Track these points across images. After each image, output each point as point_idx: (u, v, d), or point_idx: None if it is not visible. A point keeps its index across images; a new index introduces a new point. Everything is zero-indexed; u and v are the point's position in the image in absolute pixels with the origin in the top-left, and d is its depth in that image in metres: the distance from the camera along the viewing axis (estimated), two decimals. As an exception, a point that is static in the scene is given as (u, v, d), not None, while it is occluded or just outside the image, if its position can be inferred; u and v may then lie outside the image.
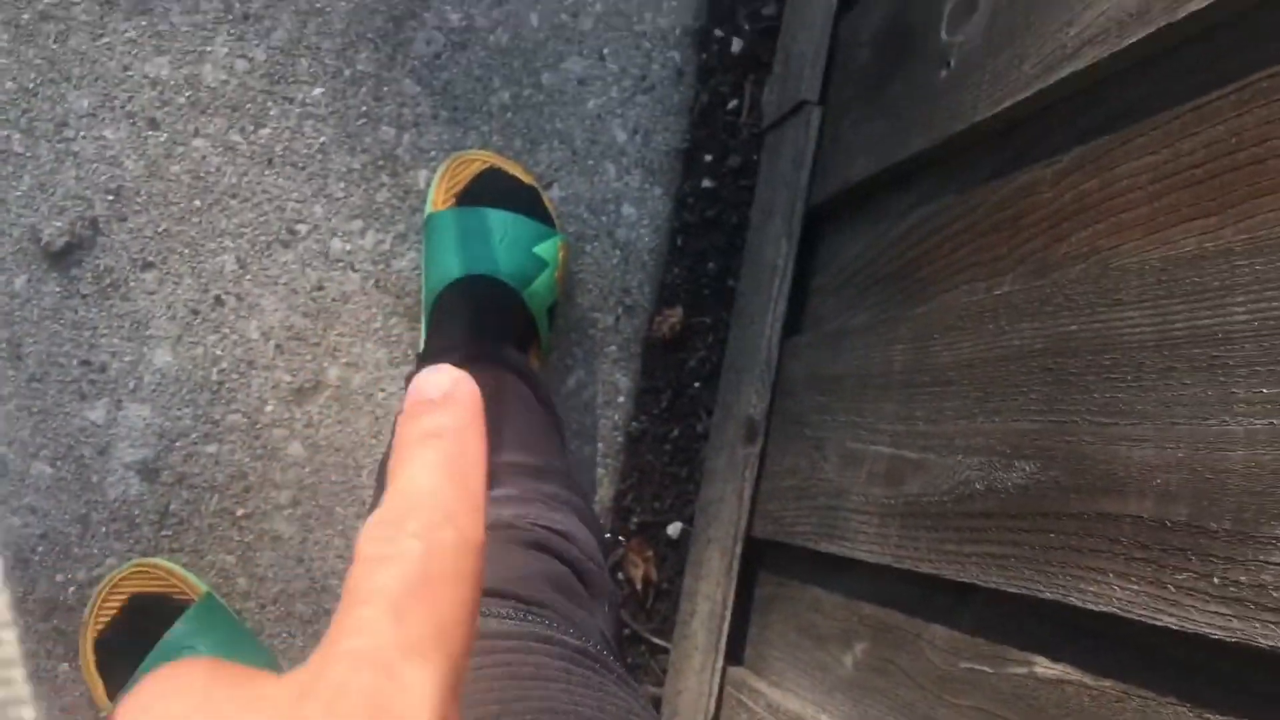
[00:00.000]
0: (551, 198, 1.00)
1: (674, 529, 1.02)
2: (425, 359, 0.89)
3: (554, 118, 1.02)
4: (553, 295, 0.93)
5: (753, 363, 0.94)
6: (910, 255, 0.78)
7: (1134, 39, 0.55)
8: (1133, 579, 0.47)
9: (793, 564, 0.86)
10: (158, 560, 0.91)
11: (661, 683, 1.00)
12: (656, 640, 1.01)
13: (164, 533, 0.92)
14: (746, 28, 1.06)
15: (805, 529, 0.81)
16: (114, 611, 0.89)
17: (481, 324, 0.88)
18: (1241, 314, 0.44)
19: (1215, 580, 0.43)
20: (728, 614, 0.90)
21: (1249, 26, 0.50)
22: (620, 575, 1.00)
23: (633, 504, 1.02)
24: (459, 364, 0.27)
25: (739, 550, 0.91)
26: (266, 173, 0.95)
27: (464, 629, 0.23)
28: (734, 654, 0.92)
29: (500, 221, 0.91)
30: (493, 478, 0.70)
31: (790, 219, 0.94)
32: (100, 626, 0.89)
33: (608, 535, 1.00)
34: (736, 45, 1.05)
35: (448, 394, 0.26)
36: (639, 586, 1.00)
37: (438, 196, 0.94)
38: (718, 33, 1.06)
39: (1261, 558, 0.41)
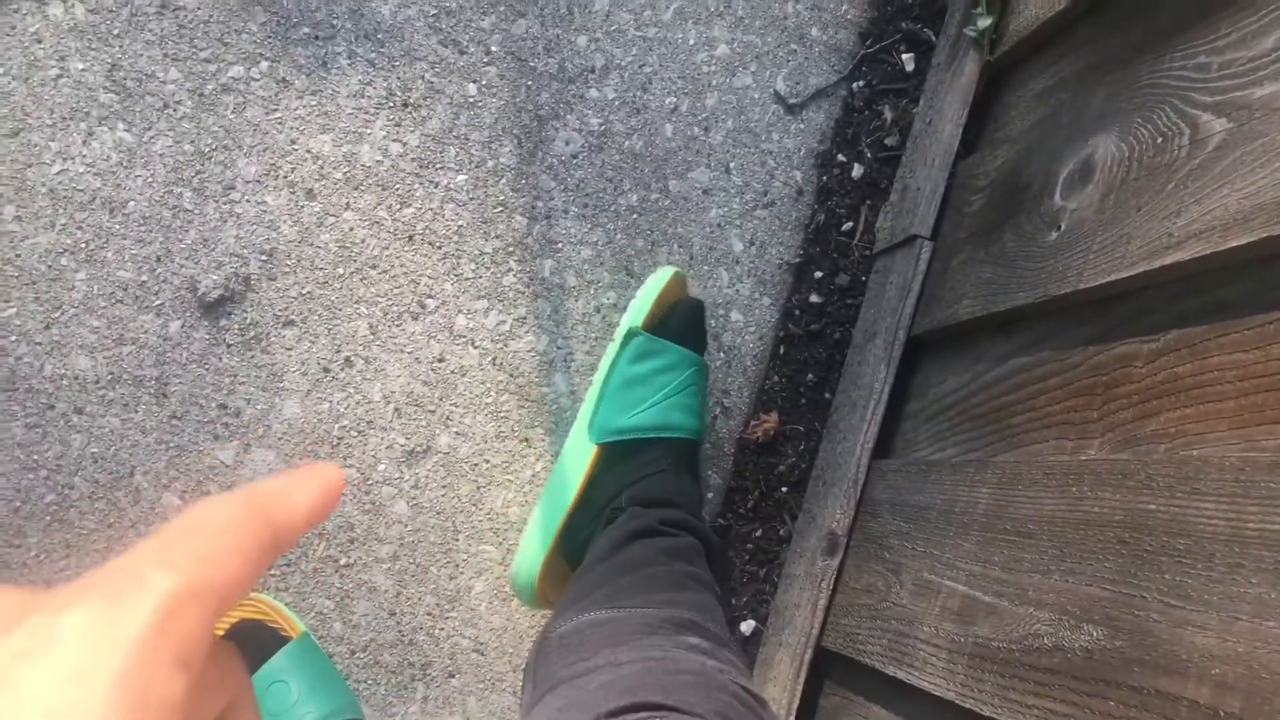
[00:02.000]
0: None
1: (746, 626, 1.05)
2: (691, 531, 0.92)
3: (677, 222, 1.08)
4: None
5: (840, 478, 0.98)
6: (1004, 400, 0.82)
7: (1236, 243, 0.58)
8: (1184, 760, 0.50)
9: (859, 680, 0.89)
10: (264, 595, 0.97)
11: (718, 775, 1.03)
12: (718, 733, 1.04)
13: (272, 572, 0.99)
14: (868, 155, 1.10)
15: (875, 649, 0.84)
16: (219, 633, 0.95)
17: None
18: (1310, 527, 0.48)
19: (1261, 776, 0.46)
20: (791, 718, 0.93)
21: (1346, 252, 0.53)
22: (690, 665, 1.04)
23: (710, 597, 1.05)
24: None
25: (809, 657, 0.94)
26: (406, 248, 1.03)
27: (228, 564, 0.28)
28: (792, 758, 0.95)
29: (703, 374, 1.00)
30: (695, 631, 0.74)
31: (891, 345, 0.98)
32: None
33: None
34: (857, 171, 1.10)
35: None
36: (707, 678, 1.03)
37: (651, 312, 0.99)
38: (840, 157, 1.11)
39: (1305, 764, 0.44)
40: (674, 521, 0.89)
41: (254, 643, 0.95)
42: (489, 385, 1.03)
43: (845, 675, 0.92)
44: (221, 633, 0.94)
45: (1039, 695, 0.63)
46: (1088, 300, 0.74)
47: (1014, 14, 0.97)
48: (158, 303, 0.99)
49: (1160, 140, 0.69)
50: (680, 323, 0.99)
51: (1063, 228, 0.78)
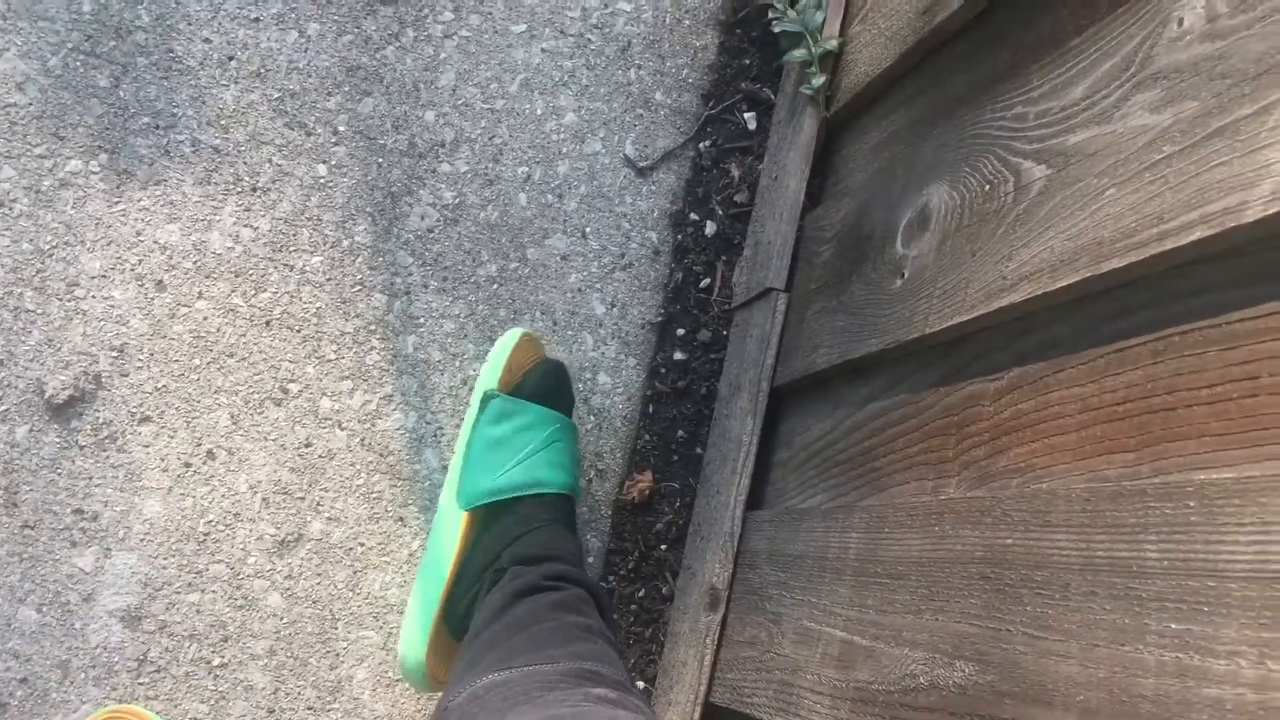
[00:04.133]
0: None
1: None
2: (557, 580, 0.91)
3: (537, 290, 1.08)
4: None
5: (717, 532, 0.99)
6: (866, 445, 0.84)
7: (1064, 283, 0.62)
8: (1058, 787, 0.52)
9: (750, 732, 0.90)
10: (132, 706, 0.94)
11: (619, 842, 1.02)
12: (616, 799, 1.03)
13: (141, 680, 0.95)
14: (720, 212, 1.13)
15: (761, 700, 0.85)
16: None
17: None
18: (1154, 552, 0.50)
19: (1128, 797, 0.48)
20: (686, 778, 0.93)
21: (1163, 286, 0.56)
22: (583, 733, 1.03)
23: (597, 662, 1.05)
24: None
25: (698, 715, 0.94)
26: (264, 334, 1.01)
27: None
28: (691, 818, 0.95)
29: (569, 432, 1.00)
30: (596, 681, 0.72)
31: (756, 397, 1.00)
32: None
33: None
34: (710, 228, 1.13)
35: None
36: (601, 745, 1.02)
37: (504, 376, 0.99)
38: (693, 216, 1.13)
39: (1167, 781, 0.46)
40: (557, 575, 0.87)
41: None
42: (359, 467, 1.02)
43: (736, 729, 0.93)
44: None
45: (920, 734, 0.64)
46: (935, 343, 0.77)
47: (845, 72, 1.01)
48: (3, 408, 0.95)
49: (988, 188, 0.73)
50: (539, 383, 0.99)
51: (906, 275, 0.81)
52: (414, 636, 0.94)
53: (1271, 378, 0.48)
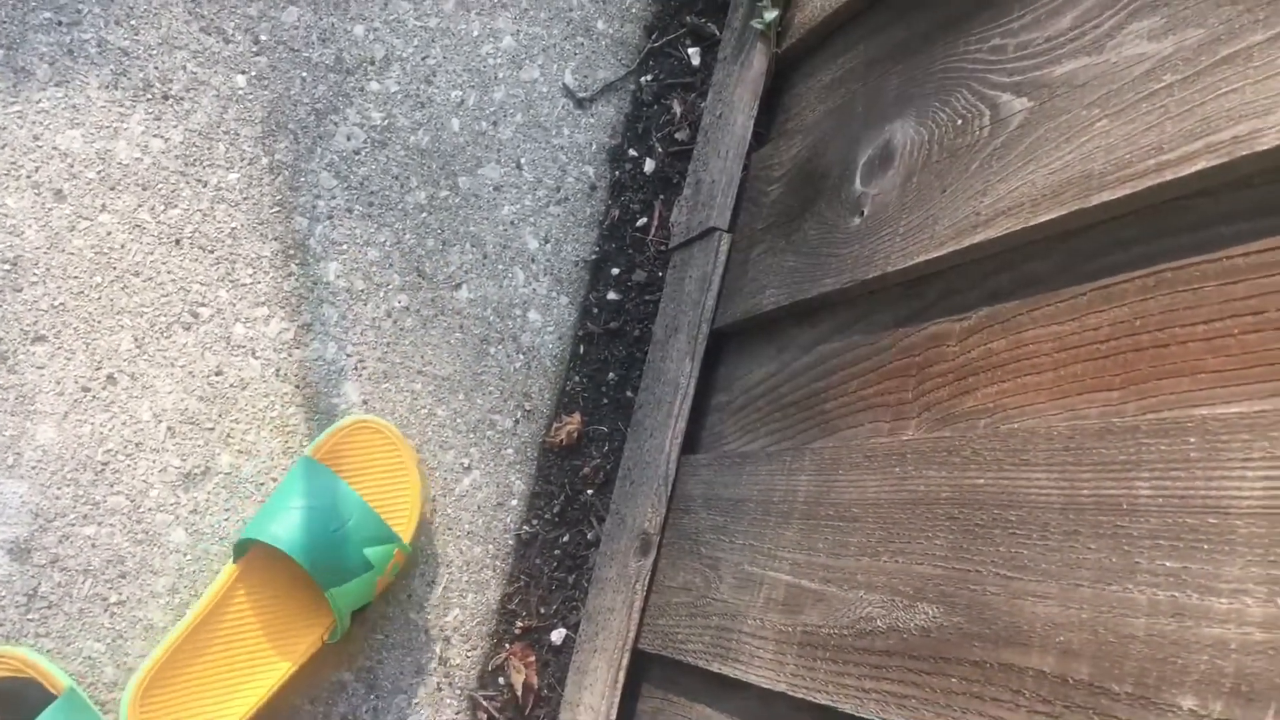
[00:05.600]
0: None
1: (557, 635, 1.02)
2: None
3: (468, 221, 1.03)
4: (365, 598, 0.92)
5: (649, 477, 0.96)
6: (815, 388, 0.82)
7: (1046, 217, 0.60)
8: (1035, 730, 0.50)
9: (680, 679, 0.88)
10: (16, 650, 0.87)
11: (535, 792, 0.99)
12: (533, 748, 1.00)
13: (30, 616, 0.88)
14: (660, 150, 1.09)
15: (697, 646, 0.83)
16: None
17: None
18: (1146, 489, 0.48)
19: (1116, 740, 0.46)
20: (611, 727, 0.90)
21: (1156, 219, 0.55)
22: (501, 680, 1.00)
23: (518, 607, 1.02)
24: None
25: (625, 662, 0.92)
26: (173, 253, 0.94)
27: None
28: (614, 767, 0.92)
29: (347, 506, 0.91)
30: None
31: (695, 339, 0.96)
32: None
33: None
34: (649, 166, 1.09)
35: None
36: (519, 693, 0.99)
37: (321, 445, 0.94)
38: (632, 152, 1.09)
39: (1162, 722, 0.44)
40: None
41: (15, 705, 0.84)
42: (273, 398, 0.96)
43: (664, 677, 0.90)
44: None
45: (876, 678, 0.62)
46: (896, 283, 0.75)
47: (799, 7, 0.98)
48: (-121, 320, 0.87)
49: (960, 122, 0.70)
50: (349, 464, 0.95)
51: (866, 213, 0.78)
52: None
53: (1277, 312, 0.47)
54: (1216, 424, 0.46)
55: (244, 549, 0.91)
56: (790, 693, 0.70)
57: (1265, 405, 0.46)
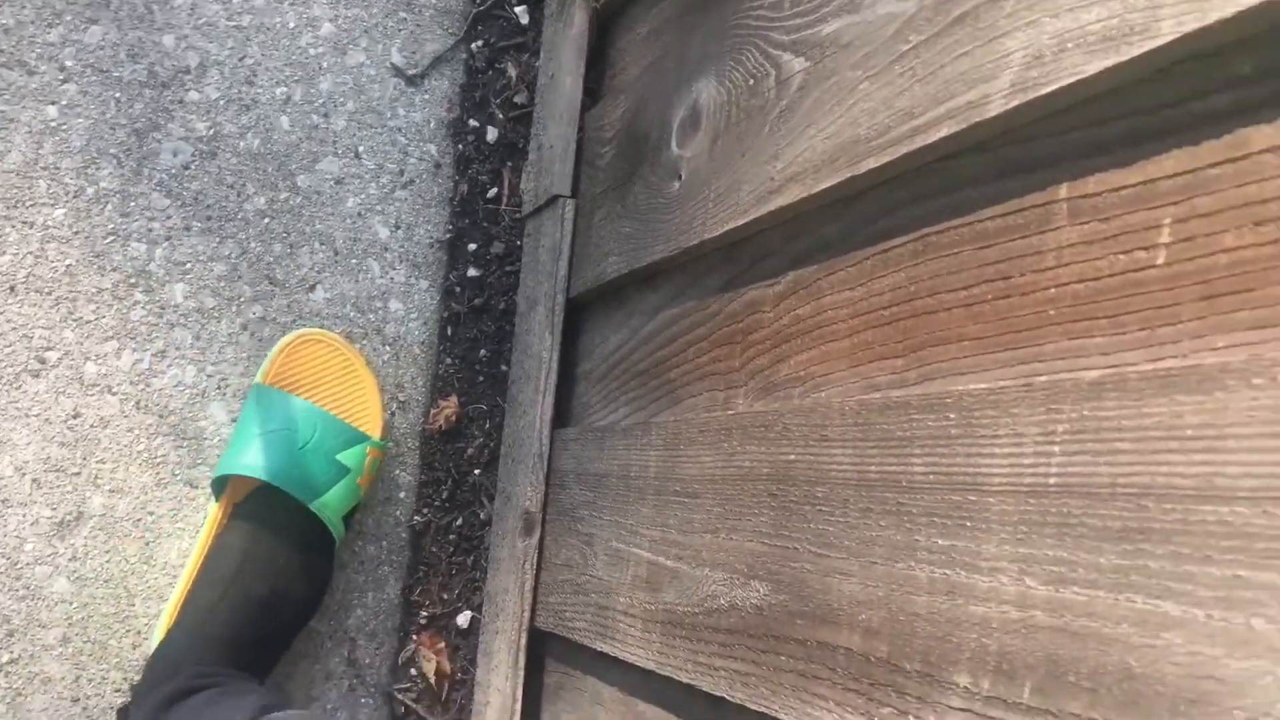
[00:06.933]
0: (323, 303, 1.00)
1: (464, 618, 1.03)
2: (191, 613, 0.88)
3: (313, 219, 1.01)
4: (352, 500, 0.94)
5: (526, 454, 0.96)
6: (660, 355, 0.81)
7: (825, 184, 0.59)
8: (848, 708, 0.51)
9: (576, 654, 0.89)
10: (-83, 716, 0.87)
11: (463, 772, 1.01)
12: (455, 731, 1.02)
13: (-78, 687, 0.88)
14: (500, 116, 1.07)
15: (581, 625, 0.84)
16: None
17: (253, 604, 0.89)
18: (920, 466, 0.49)
19: (911, 719, 0.47)
20: (518, 707, 0.92)
21: (919, 184, 0.54)
22: (414, 671, 1.01)
23: (420, 597, 1.02)
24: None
25: (524, 642, 0.93)
26: (10, 302, 0.92)
27: None
28: (528, 743, 0.94)
29: (308, 421, 0.91)
30: None
31: (552, 310, 0.96)
32: None
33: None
34: (491, 134, 1.07)
35: None
36: (433, 680, 1.00)
37: (269, 370, 0.94)
38: (472, 123, 1.07)
39: (944, 702, 0.45)
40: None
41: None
42: (137, 432, 0.95)
43: (563, 651, 0.92)
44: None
45: (724, 656, 0.63)
46: (715, 248, 0.74)
47: (612, -43, 0.95)
48: None
49: (752, 82, 0.69)
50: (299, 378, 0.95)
51: (683, 177, 0.77)
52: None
53: (1023, 277, 0.47)
54: (970, 399, 0.46)
55: (221, 486, 0.92)
56: (658, 670, 0.71)
57: (1009, 380, 0.46)
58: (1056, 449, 0.41)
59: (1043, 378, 0.44)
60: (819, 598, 0.55)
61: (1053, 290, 0.45)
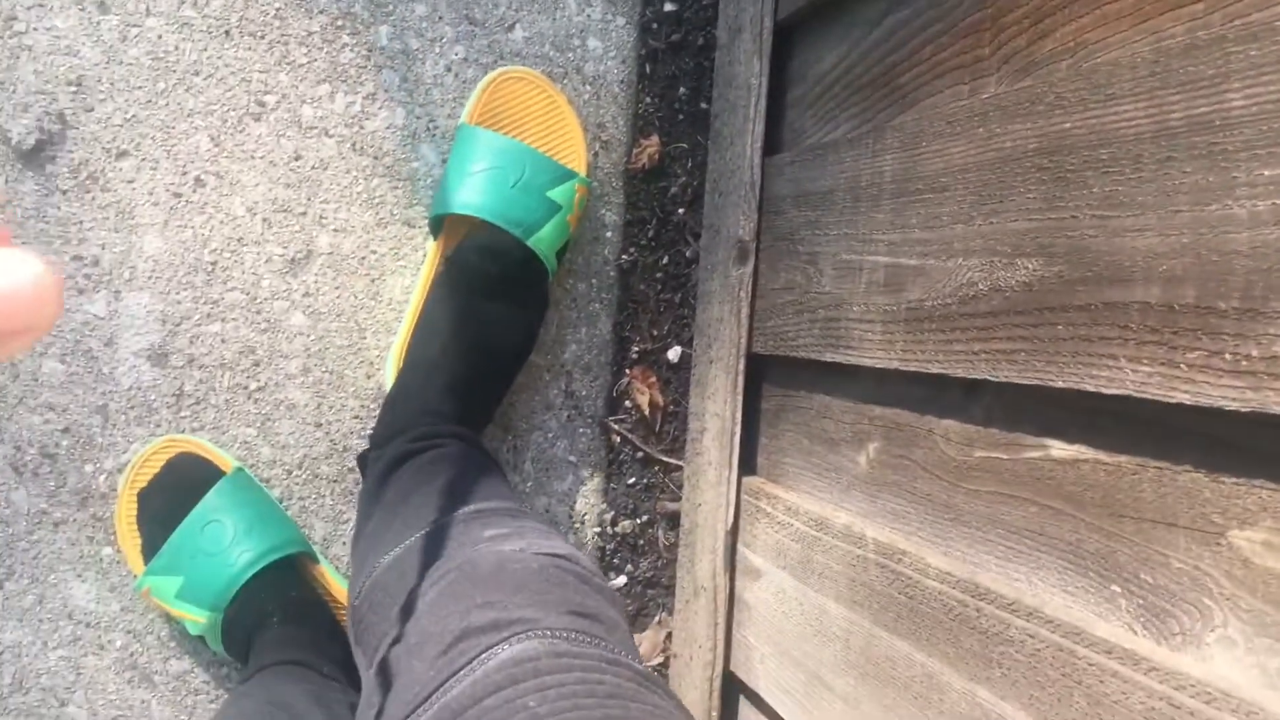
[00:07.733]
0: (522, 45, 0.99)
1: (674, 353, 1.05)
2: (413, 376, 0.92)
3: (508, -46, 1.00)
4: (563, 237, 0.95)
5: (736, 185, 0.95)
6: (889, 61, 0.79)
7: None
8: (1144, 361, 0.51)
9: (797, 375, 0.90)
10: (189, 437, 0.93)
11: (678, 498, 1.05)
12: (669, 460, 1.05)
13: (182, 414, 0.94)
14: None
15: (807, 341, 0.84)
16: (155, 469, 0.92)
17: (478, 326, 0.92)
18: (1239, 100, 0.46)
19: (1227, 356, 0.46)
20: (737, 429, 0.94)
21: None
22: (628, 403, 1.04)
23: (631, 334, 1.04)
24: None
25: (742, 367, 0.94)
26: (226, 46, 0.94)
27: None
28: (747, 464, 0.96)
29: (518, 159, 0.91)
30: (481, 522, 0.74)
31: (760, 35, 0.93)
32: (142, 483, 0.92)
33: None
34: None
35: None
36: (646, 412, 1.03)
37: (474, 110, 0.95)
38: None
39: (1272, 331, 0.44)
40: (420, 436, 0.88)
41: (191, 479, 0.92)
42: (355, 173, 0.97)
43: (782, 375, 0.93)
44: (154, 471, 0.91)
45: (984, 340, 0.63)
46: (958, -67, 0.70)
47: None
48: (-30, 163, 0.89)
49: None
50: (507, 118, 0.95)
51: None
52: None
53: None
54: (1309, 16, 0.43)
55: (439, 225, 0.95)
56: (902, 368, 0.71)
57: (1360, -14, 0.43)
58: None
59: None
60: (1106, 259, 0.53)
61: None
